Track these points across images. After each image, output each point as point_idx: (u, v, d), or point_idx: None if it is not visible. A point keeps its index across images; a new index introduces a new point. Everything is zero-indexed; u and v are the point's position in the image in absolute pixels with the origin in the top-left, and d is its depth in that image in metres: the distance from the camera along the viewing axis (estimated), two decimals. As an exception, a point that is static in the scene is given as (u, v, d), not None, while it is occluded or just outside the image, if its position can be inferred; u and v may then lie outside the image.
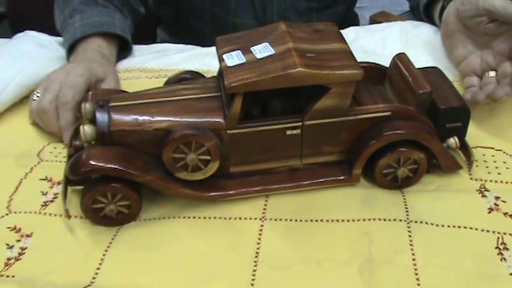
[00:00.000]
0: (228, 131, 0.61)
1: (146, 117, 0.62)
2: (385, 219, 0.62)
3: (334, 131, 0.63)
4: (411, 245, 0.59)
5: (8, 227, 0.63)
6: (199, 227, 0.62)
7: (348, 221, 0.62)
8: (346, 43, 0.64)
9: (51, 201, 0.66)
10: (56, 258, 0.59)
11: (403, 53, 0.70)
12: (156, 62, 0.88)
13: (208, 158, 0.62)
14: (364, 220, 0.62)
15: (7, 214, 0.65)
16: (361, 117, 0.63)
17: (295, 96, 0.66)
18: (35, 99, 0.76)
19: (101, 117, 0.62)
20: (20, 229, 0.63)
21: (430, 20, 0.93)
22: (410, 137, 0.63)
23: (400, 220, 0.61)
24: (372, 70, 0.71)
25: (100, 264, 0.58)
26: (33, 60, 0.84)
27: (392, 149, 0.64)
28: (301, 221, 0.62)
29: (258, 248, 0.60)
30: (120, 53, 0.92)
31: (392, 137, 0.62)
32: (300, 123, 0.62)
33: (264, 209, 0.64)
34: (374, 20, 1.15)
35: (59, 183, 0.69)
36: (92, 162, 0.59)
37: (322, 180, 0.65)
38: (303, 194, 0.65)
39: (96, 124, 0.61)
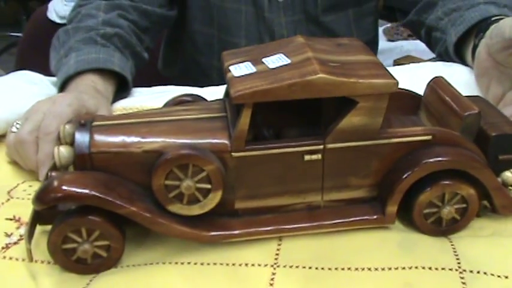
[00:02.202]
0: (233, 154, 0.50)
1: (134, 138, 0.51)
2: (430, 268, 0.48)
3: (362, 158, 0.52)
4: (467, 299, 0.45)
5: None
6: (195, 275, 0.50)
7: (383, 269, 0.49)
8: (374, 55, 0.54)
9: (15, 243, 0.54)
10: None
11: (441, 76, 0.60)
12: (156, 102, 0.78)
13: (209, 186, 0.50)
14: (403, 268, 0.49)
15: (-40, 258, 0.53)
16: (396, 141, 0.51)
17: (316, 120, 0.56)
18: (13, 131, 0.66)
19: (81, 136, 0.51)
20: (-28, 277, 0.50)
21: (462, 61, 0.84)
22: (457, 166, 0.51)
23: (451, 269, 0.48)
24: (404, 97, 0.61)
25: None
26: (21, 96, 0.75)
27: (434, 182, 0.52)
28: (322, 269, 0.50)
29: (268, 302, 0.47)
30: (118, 94, 0.83)
31: (435, 165, 0.51)
32: (321, 146, 0.51)
33: (277, 254, 0.51)
34: (398, 63, 1.06)
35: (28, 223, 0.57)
36: (63, 188, 0.48)
37: (348, 220, 0.53)
38: (324, 237, 0.53)
39: (75, 145, 0.51)
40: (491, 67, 0.72)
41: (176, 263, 0.51)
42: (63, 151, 0.51)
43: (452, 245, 0.52)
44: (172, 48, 1.18)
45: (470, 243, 0.52)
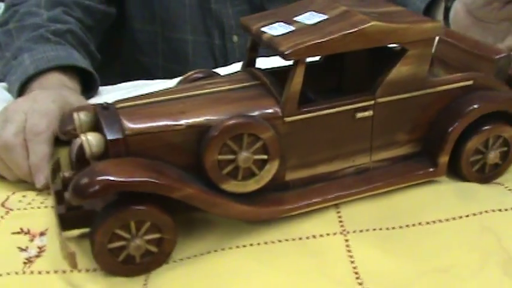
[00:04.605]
0: (286, 119, 0.46)
1: (173, 115, 0.45)
2: (500, 210, 0.47)
3: (409, 111, 0.50)
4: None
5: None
6: (265, 255, 0.45)
7: (454, 219, 0.47)
8: (401, 7, 0.52)
9: (37, 256, 0.46)
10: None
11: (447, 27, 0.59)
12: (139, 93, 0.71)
13: (265, 157, 0.45)
14: (474, 215, 0.47)
15: (-25, 281, 0.44)
16: (442, 88, 0.50)
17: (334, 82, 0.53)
18: (-13, 138, 0.56)
19: (109, 121, 0.45)
20: (-1, 298, 0.42)
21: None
22: (502, 107, 0.51)
23: (518, 208, 0.48)
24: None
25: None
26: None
27: (479, 128, 0.51)
28: (393, 228, 0.47)
29: (354, 268, 0.43)
30: (84, 94, 0.75)
31: (483, 109, 0.50)
32: (372, 102, 0.48)
33: (340, 221, 0.48)
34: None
35: (41, 233, 0.49)
36: (109, 178, 0.41)
37: (402, 177, 0.50)
38: (379, 199, 0.50)
39: (104, 130, 0.44)
40: (472, 24, 0.73)
41: (237, 246, 0.46)
42: (92, 139, 0.44)
43: (506, 187, 0.51)
44: (107, 49, 1.09)
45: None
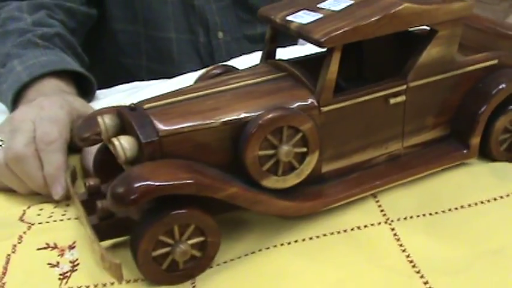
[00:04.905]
0: (322, 109, 0.44)
1: (205, 112, 0.43)
2: (543, 187, 0.47)
3: (438, 93, 0.49)
4: None
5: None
6: (314, 250, 0.43)
7: (496, 199, 0.47)
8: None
9: (72, 270, 0.43)
10: None
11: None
12: (134, 97, 0.69)
13: (304, 149, 0.44)
14: (515, 193, 0.47)
15: (8, 305, 0.41)
16: (469, 69, 0.50)
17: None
18: (-6, 151, 0.53)
19: (140, 122, 0.42)
20: (40, 320, 0.39)
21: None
22: (528, 84, 0.51)
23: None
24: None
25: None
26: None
27: (505, 108, 0.51)
28: (436, 213, 0.46)
29: (407, 256, 0.42)
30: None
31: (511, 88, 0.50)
32: (404, 86, 0.47)
33: (381, 210, 0.47)
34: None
35: (70, 247, 0.46)
36: (151, 182, 0.39)
37: (435, 162, 0.50)
38: (415, 186, 0.49)
39: (138, 133, 0.42)
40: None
41: (281, 244, 0.44)
42: (125, 143, 0.41)
43: (537, 164, 0.51)
44: (87, 52, 1.06)
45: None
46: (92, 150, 0.52)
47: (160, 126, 0.42)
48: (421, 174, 0.49)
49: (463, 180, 0.49)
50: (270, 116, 0.42)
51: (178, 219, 0.40)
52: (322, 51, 0.53)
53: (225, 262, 0.43)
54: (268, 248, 0.44)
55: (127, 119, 0.43)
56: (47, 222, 0.49)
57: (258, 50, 0.58)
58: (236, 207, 0.43)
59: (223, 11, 0.96)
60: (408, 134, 0.50)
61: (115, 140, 0.42)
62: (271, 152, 0.43)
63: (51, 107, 0.55)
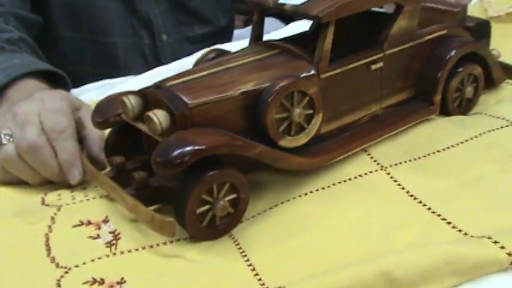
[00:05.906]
0: (321, 76, 0.51)
1: (225, 85, 0.49)
2: (502, 127, 0.57)
3: (406, 60, 0.58)
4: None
5: (86, 282, 0.42)
6: (328, 197, 0.50)
7: (462, 143, 0.56)
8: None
9: (116, 239, 0.47)
10: None
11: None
12: (109, 93, 0.71)
13: (311, 111, 0.51)
14: (476, 137, 0.56)
15: (66, 272, 0.43)
16: (429, 37, 0.59)
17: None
18: (5, 143, 0.54)
19: (170, 97, 0.47)
20: (102, 280, 0.42)
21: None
22: (474, 49, 0.61)
23: (512, 122, 0.58)
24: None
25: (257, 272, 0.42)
26: None
27: (456, 69, 0.60)
28: (419, 158, 0.54)
29: (408, 192, 0.50)
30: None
31: (463, 51, 0.59)
32: (382, 54, 0.55)
33: (374, 160, 0.54)
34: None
35: (104, 221, 0.49)
36: (195, 145, 0.44)
37: (409, 118, 0.58)
38: (395, 139, 0.57)
39: (170, 106, 0.46)
40: None
41: (300, 195, 0.50)
42: (161, 116, 0.46)
43: (485, 113, 0.61)
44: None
45: (495, 108, 0.62)
46: (93, 137, 0.56)
47: (188, 100, 0.47)
48: (400, 129, 0.58)
49: (432, 131, 0.58)
50: (283, 83, 0.48)
51: (216, 179, 0.45)
52: (301, 32, 0.61)
53: (253, 216, 0.49)
54: (288, 200, 0.50)
55: (155, 96, 0.48)
56: (74, 203, 0.52)
57: (197, 51, 0.64)
58: (258, 167, 0.49)
59: (165, 14, 1.01)
60: (385, 96, 0.58)
61: (151, 114, 0.46)
62: (285, 114, 0.49)
63: (52, 100, 0.58)
